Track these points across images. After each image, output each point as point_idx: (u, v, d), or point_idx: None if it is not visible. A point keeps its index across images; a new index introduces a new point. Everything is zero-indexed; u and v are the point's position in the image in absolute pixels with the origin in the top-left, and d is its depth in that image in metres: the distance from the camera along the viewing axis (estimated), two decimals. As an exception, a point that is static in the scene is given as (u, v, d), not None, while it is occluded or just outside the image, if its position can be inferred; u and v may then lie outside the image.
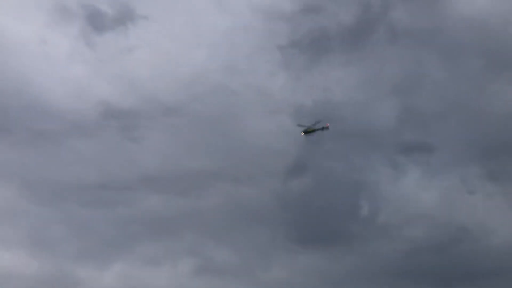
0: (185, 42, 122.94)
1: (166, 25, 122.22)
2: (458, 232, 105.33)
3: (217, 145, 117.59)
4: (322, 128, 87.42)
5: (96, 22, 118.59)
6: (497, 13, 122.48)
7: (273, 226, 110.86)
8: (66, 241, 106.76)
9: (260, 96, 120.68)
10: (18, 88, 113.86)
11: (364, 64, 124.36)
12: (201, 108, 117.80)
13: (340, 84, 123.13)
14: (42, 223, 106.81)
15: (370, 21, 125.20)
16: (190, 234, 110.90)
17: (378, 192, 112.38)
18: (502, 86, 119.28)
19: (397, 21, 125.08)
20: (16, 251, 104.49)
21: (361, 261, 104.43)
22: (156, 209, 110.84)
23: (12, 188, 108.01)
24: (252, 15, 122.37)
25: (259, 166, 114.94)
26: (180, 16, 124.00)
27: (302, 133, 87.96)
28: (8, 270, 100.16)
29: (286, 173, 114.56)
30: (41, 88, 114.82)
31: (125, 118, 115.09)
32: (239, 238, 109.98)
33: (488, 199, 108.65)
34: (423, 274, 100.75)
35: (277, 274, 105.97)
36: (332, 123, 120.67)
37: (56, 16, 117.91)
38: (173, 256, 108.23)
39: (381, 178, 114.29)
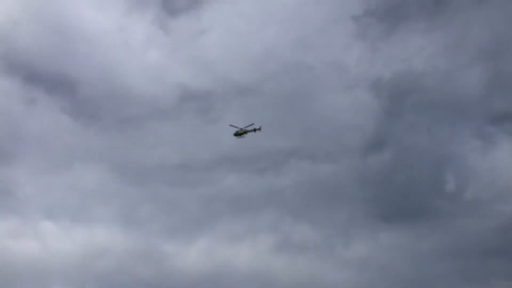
0: (255, 21, 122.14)
1: (236, 4, 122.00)
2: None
3: (293, 123, 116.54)
4: (254, 130, 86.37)
5: (170, 6, 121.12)
6: None
7: (353, 203, 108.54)
8: (154, 219, 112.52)
9: (336, 70, 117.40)
10: (103, 77, 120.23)
11: (447, 29, 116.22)
12: (275, 86, 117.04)
13: (421, 53, 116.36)
14: (132, 202, 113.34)
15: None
16: (269, 211, 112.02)
17: (466, 166, 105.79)
18: None
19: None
20: (109, 228, 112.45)
21: (448, 238, 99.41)
22: (236, 188, 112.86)
23: (103, 171, 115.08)
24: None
25: (336, 143, 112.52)
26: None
27: (234, 135, 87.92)
28: (103, 246, 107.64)
29: (365, 149, 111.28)
30: (122, 76, 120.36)
31: (202, 100, 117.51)
32: (319, 215, 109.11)
33: None
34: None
35: (358, 251, 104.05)
36: (414, 95, 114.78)
37: (132, 4, 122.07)
38: (254, 232, 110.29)
39: (469, 151, 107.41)
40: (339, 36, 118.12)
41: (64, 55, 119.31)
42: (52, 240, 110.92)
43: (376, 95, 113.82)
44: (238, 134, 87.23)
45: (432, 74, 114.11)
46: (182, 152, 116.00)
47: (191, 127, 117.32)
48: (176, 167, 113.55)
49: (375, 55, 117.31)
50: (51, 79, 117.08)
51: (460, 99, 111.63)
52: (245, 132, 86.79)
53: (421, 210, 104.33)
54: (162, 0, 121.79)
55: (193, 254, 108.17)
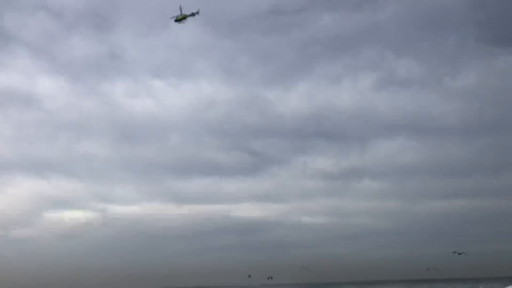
0: None
1: None
2: None
3: None
4: (193, 14, 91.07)
5: None
6: None
7: (462, 28, 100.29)
8: (252, 69, 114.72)
9: None
10: None
11: None
12: None
13: None
14: (229, 55, 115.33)
15: None
16: (368, 49, 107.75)
17: None
18: None
19: None
20: (212, 81, 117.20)
21: None
22: (331, 28, 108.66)
23: (197, 26, 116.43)
24: None
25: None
26: None
27: (174, 21, 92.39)
28: (209, 98, 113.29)
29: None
30: None
31: None
32: (423, 47, 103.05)
33: None
34: None
35: (467, 80, 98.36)
36: None
37: None
38: (354, 72, 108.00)
39: None
40: None
41: None
42: (163, 96, 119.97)
43: None
44: (178, 19, 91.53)
45: None
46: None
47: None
48: (267, 13, 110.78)
49: None
50: None
51: None
52: (185, 17, 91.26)
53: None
54: None
55: (294, 98, 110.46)
